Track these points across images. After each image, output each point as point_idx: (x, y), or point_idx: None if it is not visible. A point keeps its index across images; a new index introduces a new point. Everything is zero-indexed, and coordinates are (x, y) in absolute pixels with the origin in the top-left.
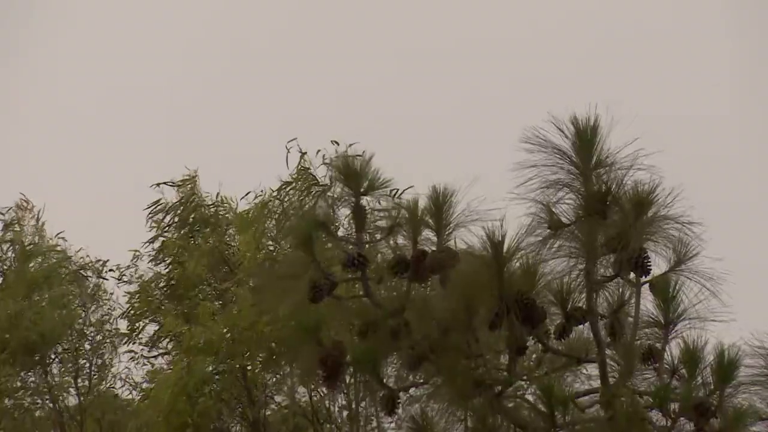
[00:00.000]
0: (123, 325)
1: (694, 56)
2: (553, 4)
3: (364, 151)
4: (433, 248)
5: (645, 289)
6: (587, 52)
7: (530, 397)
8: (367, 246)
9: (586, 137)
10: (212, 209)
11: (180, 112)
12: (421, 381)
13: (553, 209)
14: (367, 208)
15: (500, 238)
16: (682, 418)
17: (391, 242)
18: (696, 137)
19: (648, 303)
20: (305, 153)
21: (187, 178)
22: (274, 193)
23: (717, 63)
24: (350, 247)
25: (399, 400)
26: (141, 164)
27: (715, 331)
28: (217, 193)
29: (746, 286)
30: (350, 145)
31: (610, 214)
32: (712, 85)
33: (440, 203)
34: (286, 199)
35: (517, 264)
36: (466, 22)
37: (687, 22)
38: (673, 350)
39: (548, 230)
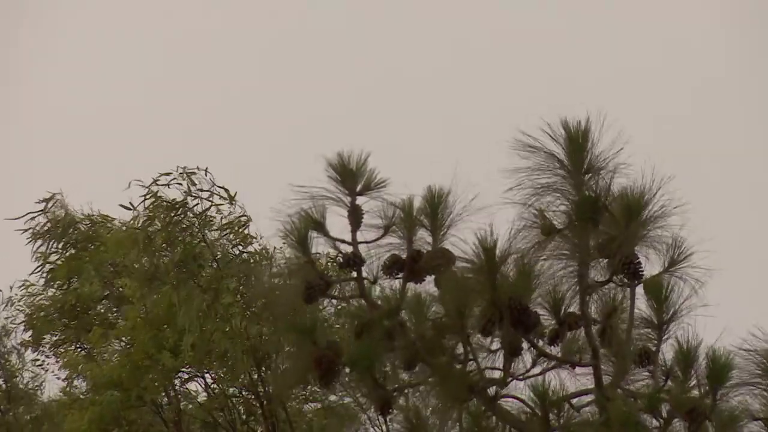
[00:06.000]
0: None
1: (690, 54)
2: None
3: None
4: (429, 248)
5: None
6: (586, 53)
7: (525, 398)
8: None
9: (577, 141)
10: (89, 226)
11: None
12: (416, 382)
13: (546, 214)
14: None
15: (492, 244)
16: (675, 420)
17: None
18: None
19: (642, 304)
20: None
21: (48, 198)
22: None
23: (714, 62)
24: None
25: (394, 401)
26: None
27: (709, 330)
28: (87, 209)
29: (741, 283)
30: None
31: (601, 219)
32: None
33: (435, 204)
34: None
35: (510, 269)
36: (468, 19)
37: (682, 21)
38: (669, 352)
39: (541, 235)
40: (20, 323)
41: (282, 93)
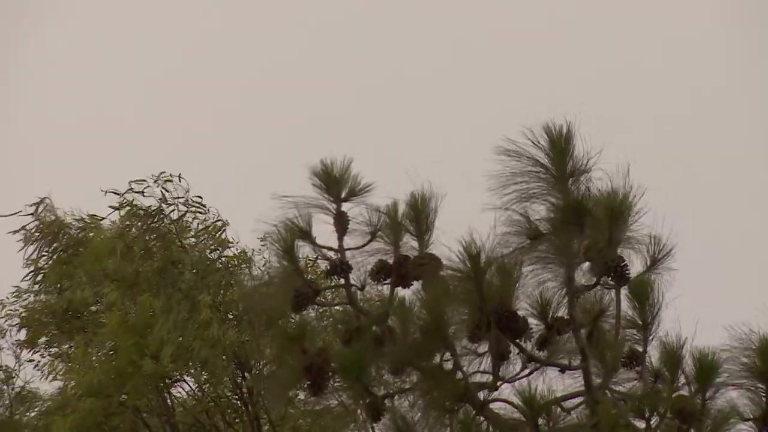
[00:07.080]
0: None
1: (690, 54)
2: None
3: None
4: (415, 254)
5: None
6: (586, 53)
7: (515, 402)
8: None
9: (560, 146)
10: (79, 231)
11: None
12: (407, 388)
13: (531, 219)
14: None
15: (477, 251)
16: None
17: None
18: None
19: (625, 305)
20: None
21: (38, 202)
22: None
23: (714, 62)
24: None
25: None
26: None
27: (708, 330)
28: (78, 212)
29: (741, 282)
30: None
31: (586, 223)
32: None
33: (419, 209)
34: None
35: (496, 275)
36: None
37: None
38: (656, 352)
39: (527, 240)
40: (15, 324)
41: (282, 93)
